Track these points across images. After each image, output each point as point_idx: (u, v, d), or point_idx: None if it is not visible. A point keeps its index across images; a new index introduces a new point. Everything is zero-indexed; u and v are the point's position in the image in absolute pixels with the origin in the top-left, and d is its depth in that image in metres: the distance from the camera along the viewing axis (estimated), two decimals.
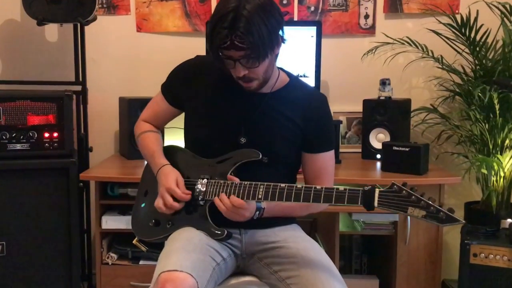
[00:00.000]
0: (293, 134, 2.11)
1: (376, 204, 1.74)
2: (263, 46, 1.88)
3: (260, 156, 2.05)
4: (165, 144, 2.32)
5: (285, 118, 2.10)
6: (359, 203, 1.78)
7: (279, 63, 2.16)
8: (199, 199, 2.07)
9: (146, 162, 2.32)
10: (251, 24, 1.83)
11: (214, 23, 1.87)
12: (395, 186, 1.74)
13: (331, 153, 2.18)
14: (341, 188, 1.82)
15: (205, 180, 2.07)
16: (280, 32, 1.96)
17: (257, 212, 2.02)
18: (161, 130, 2.39)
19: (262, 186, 1.93)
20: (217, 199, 1.98)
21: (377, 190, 1.75)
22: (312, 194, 1.85)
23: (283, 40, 2.00)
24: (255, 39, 1.84)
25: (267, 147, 2.06)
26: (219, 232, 2.04)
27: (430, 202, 1.68)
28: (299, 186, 1.89)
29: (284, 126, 2.10)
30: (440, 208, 1.67)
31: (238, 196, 1.95)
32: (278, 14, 1.94)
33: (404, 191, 1.72)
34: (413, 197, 1.70)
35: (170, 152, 2.24)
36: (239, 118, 2.10)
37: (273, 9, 1.92)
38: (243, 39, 1.84)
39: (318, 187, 1.86)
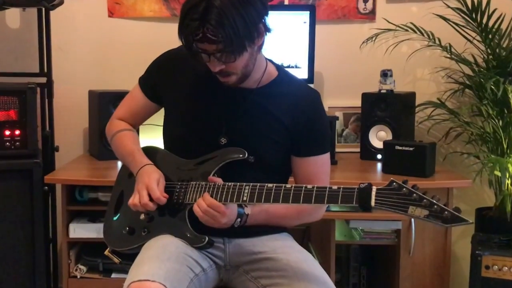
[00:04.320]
0: (280, 135, 2.10)
1: (373, 203, 1.74)
2: (238, 40, 1.87)
3: (246, 155, 2.04)
4: (141, 144, 2.30)
5: (271, 117, 2.10)
6: (354, 203, 1.77)
7: (268, 53, 2.15)
8: (179, 203, 2.06)
9: (120, 164, 2.30)
10: (223, 15, 1.83)
11: (185, 13, 1.88)
12: (394, 183, 1.74)
13: (326, 157, 2.17)
14: (335, 187, 1.82)
15: (185, 183, 2.07)
16: (264, 21, 1.95)
17: (239, 219, 2.01)
18: (137, 130, 2.37)
19: (247, 187, 1.93)
20: (195, 204, 1.98)
21: (374, 188, 1.75)
22: (302, 194, 1.85)
23: (268, 30, 1.98)
24: (227, 32, 1.84)
25: (250, 149, 2.05)
26: (199, 239, 2.03)
27: (434, 201, 1.68)
28: (288, 186, 1.89)
29: (270, 126, 2.10)
30: (445, 207, 1.67)
31: (221, 199, 1.94)
32: (260, 2, 1.92)
33: (404, 189, 1.72)
34: (415, 195, 1.70)
35: (149, 153, 2.23)
36: (221, 116, 2.10)
37: None
38: (215, 32, 1.84)
39: (309, 186, 1.85)
